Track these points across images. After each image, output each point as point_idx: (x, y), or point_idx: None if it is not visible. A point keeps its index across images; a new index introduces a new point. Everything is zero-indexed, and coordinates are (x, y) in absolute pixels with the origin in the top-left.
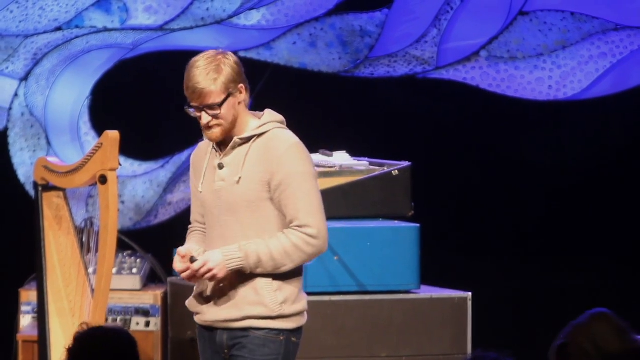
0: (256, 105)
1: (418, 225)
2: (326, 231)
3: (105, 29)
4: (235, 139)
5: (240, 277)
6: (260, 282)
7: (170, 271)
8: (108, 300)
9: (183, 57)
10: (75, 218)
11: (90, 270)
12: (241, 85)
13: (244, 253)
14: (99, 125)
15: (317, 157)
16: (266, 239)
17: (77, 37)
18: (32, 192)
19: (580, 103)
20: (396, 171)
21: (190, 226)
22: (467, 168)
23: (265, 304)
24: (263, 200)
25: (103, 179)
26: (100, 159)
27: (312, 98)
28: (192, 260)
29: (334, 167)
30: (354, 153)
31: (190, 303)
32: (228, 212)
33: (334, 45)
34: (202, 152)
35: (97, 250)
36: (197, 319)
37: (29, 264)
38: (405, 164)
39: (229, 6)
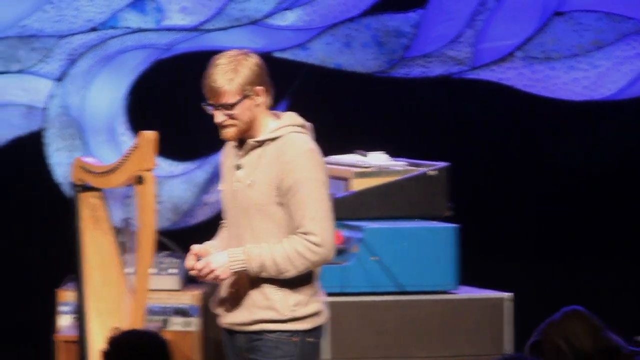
0: (291, 105)
1: (456, 225)
2: (332, 239)
3: (140, 30)
4: (250, 141)
5: (251, 281)
6: (270, 286)
7: None
8: (147, 301)
9: None
10: (112, 218)
11: (129, 270)
12: (260, 87)
13: (247, 256)
14: (135, 125)
15: (353, 158)
16: (272, 243)
17: (112, 37)
18: (69, 193)
19: (616, 103)
20: (433, 171)
21: (221, 222)
22: (503, 168)
23: (275, 309)
24: (273, 204)
25: (140, 179)
26: (136, 160)
27: (347, 98)
28: (199, 259)
29: (371, 167)
30: (390, 153)
31: (212, 305)
32: (242, 214)
33: (369, 46)
34: (229, 150)
35: (135, 251)
36: (218, 321)
37: (66, 264)
38: (443, 164)
39: (263, 6)
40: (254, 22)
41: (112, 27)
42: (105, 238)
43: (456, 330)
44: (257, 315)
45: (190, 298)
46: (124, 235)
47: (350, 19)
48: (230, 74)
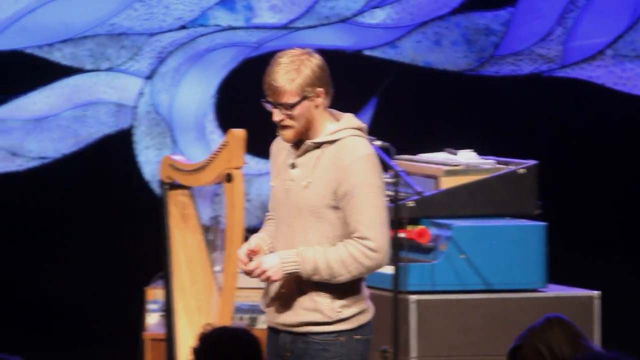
0: (381, 103)
1: (544, 223)
2: (387, 245)
3: (230, 28)
4: (308, 143)
5: (298, 282)
6: (316, 289)
7: None
8: (235, 299)
9: None
10: (201, 216)
11: (217, 268)
12: (320, 89)
13: (300, 258)
14: (225, 123)
15: (443, 156)
16: (326, 247)
17: (201, 35)
18: (158, 191)
19: None
20: (522, 170)
21: (267, 214)
22: (592, 166)
23: (321, 311)
24: (328, 207)
25: (229, 177)
26: (226, 157)
27: (436, 97)
28: (250, 259)
29: (460, 165)
30: (480, 152)
31: (261, 302)
32: (294, 214)
33: (459, 44)
34: (282, 146)
35: (223, 249)
36: (264, 318)
37: (154, 262)
38: (531, 162)
39: (353, 5)
40: (344, 20)
41: (202, 25)
42: (193, 236)
43: None
44: (303, 317)
45: None
46: (212, 233)
47: (441, 17)
48: (292, 74)
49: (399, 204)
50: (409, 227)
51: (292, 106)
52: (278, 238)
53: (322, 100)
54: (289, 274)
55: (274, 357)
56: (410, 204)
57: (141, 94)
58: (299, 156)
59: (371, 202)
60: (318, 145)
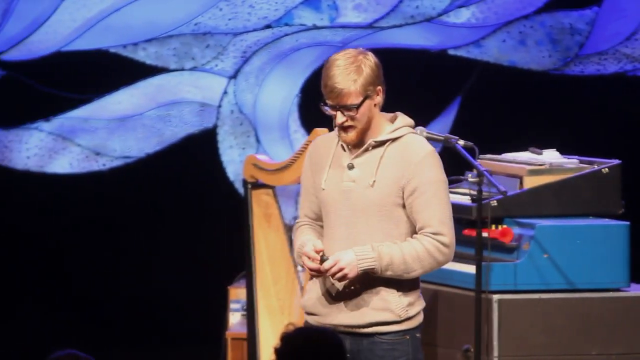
0: (465, 103)
1: (628, 223)
2: (454, 241)
3: (315, 27)
4: (371, 141)
5: (365, 281)
6: (385, 287)
7: None
8: None
9: (392, 55)
10: (284, 216)
11: (299, 268)
12: (379, 87)
13: (377, 253)
14: (308, 122)
15: (527, 155)
16: (399, 242)
17: (286, 35)
18: (241, 190)
19: None
20: (606, 169)
21: (298, 220)
22: None
23: (391, 310)
24: (395, 205)
25: None
26: None
27: (521, 96)
28: (323, 259)
29: (544, 165)
30: (563, 151)
31: (309, 303)
32: (357, 214)
33: (544, 43)
34: (324, 148)
35: None
36: (313, 319)
37: (238, 261)
38: (616, 162)
39: (438, 4)
40: (429, 20)
41: (287, 25)
42: (276, 235)
43: (628, 328)
44: (371, 317)
45: None
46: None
47: (525, 16)
48: (353, 75)
49: (482, 203)
50: (492, 227)
51: (357, 107)
52: (335, 241)
53: (380, 99)
54: (363, 270)
55: None
56: (494, 203)
57: (225, 93)
58: (358, 156)
59: (442, 198)
60: (381, 144)
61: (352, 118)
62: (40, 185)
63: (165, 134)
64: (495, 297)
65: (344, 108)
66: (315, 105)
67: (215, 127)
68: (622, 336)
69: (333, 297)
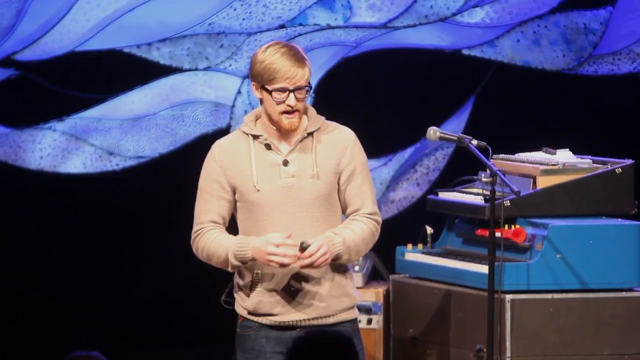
0: (479, 103)
1: None
2: None
3: (329, 27)
4: (304, 133)
5: (318, 272)
6: (338, 274)
7: (392, 268)
8: None
9: (406, 55)
10: None
11: None
12: None
13: (341, 238)
14: None
15: (540, 155)
16: (348, 227)
17: (300, 34)
18: None
19: None
20: (619, 169)
21: (201, 227)
22: None
23: (349, 294)
24: (334, 191)
25: None
26: None
27: (535, 96)
28: (303, 246)
29: (557, 164)
30: (576, 151)
31: (261, 305)
32: (303, 208)
33: (558, 43)
34: (236, 151)
35: None
36: (269, 320)
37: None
38: (629, 162)
39: (452, 4)
40: (443, 20)
41: (301, 25)
42: None
43: None
44: (335, 305)
45: (373, 295)
46: None
47: (539, 16)
48: (303, 59)
49: (495, 203)
50: (505, 227)
51: (309, 88)
52: None
53: None
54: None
55: (273, 354)
56: (507, 203)
57: (239, 93)
58: (291, 151)
59: (370, 179)
60: (310, 134)
61: (300, 101)
62: (53, 186)
63: (179, 134)
64: (508, 297)
65: (298, 89)
66: (328, 105)
67: (228, 127)
68: (635, 336)
69: (290, 292)
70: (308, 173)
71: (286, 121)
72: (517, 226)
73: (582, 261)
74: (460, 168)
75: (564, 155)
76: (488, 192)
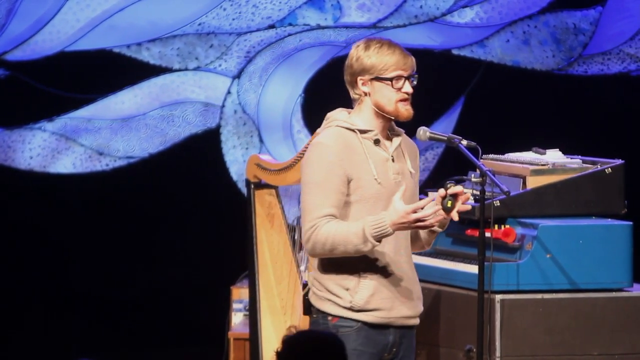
0: (469, 103)
1: (631, 223)
2: None
3: (319, 27)
4: (399, 129)
5: (412, 271)
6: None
7: None
8: None
9: None
10: (287, 216)
11: (302, 267)
12: None
13: None
14: (312, 122)
15: (530, 155)
16: None
17: (289, 35)
18: (244, 190)
19: None
20: (609, 169)
21: (320, 218)
22: None
23: (420, 297)
24: None
25: None
26: None
27: (525, 96)
28: (447, 187)
29: (547, 165)
30: (566, 151)
31: (372, 300)
32: (406, 204)
33: (548, 43)
34: (351, 144)
35: None
36: (375, 316)
37: (240, 261)
38: (619, 162)
39: (442, 4)
40: (433, 20)
41: (291, 25)
42: (279, 235)
43: (631, 328)
44: (419, 306)
45: None
46: (298, 232)
47: (529, 16)
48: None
49: (485, 203)
50: (495, 227)
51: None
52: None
53: None
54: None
55: (370, 357)
56: (497, 203)
57: (229, 93)
58: (394, 148)
59: None
60: (399, 133)
61: (413, 88)
62: (43, 186)
63: (169, 134)
64: (498, 297)
65: (412, 77)
66: (318, 105)
67: (218, 127)
68: (624, 336)
69: (395, 289)
70: (406, 171)
71: (403, 109)
72: (507, 226)
73: (572, 261)
74: (450, 168)
75: (554, 156)
76: (478, 192)
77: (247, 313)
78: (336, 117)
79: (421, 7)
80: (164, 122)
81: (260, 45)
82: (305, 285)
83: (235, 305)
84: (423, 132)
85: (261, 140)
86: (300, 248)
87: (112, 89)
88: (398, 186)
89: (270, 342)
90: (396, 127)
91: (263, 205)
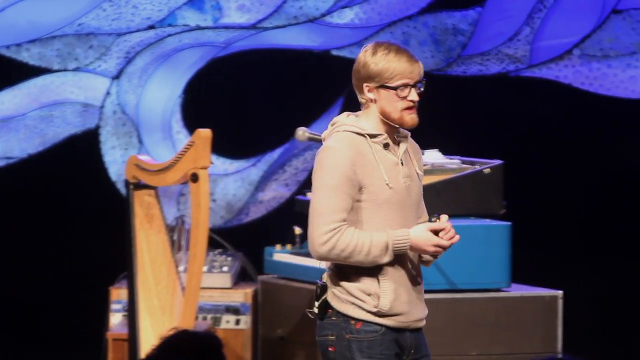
0: (349, 104)
1: (509, 223)
2: None
3: (198, 28)
4: (404, 133)
5: (419, 272)
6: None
7: (260, 269)
8: (198, 299)
9: (275, 56)
10: (166, 216)
11: (181, 268)
12: None
13: None
14: (191, 123)
15: None
16: None
17: (169, 35)
18: (123, 191)
19: None
20: (488, 169)
21: (338, 226)
22: (559, 166)
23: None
24: None
25: (194, 177)
26: (192, 157)
27: None
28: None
29: (426, 165)
30: (445, 151)
31: (395, 304)
32: (412, 209)
33: (427, 44)
34: (361, 150)
35: (187, 249)
36: (397, 321)
37: (119, 262)
38: (497, 162)
39: (322, 4)
40: (312, 20)
41: (170, 25)
42: (158, 236)
43: (509, 328)
44: (425, 308)
45: (241, 296)
46: (177, 233)
47: (409, 17)
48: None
49: None
50: None
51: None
52: None
53: None
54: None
55: (394, 358)
56: None
57: (108, 93)
58: (403, 152)
59: None
60: (406, 136)
61: (420, 96)
62: None
63: (48, 134)
64: None
65: (420, 83)
66: (197, 106)
67: (97, 127)
68: (502, 336)
69: (410, 293)
70: (414, 174)
71: (408, 117)
72: None
73: (451, 261)
74: None
75: (433, 156)
76: None
77: (126, 313)
78: (344, 121)
79: (301, 7)
80: (43, 123)
81: (140, 46)
82: (323, 287)
83: (113, 306)
84: (302, 132)
85: (140, 141)
86: (180, 249)
87: None
88: (408, 190)
89: (149, 343)
90: (402, 130)
91: (142, 205)
